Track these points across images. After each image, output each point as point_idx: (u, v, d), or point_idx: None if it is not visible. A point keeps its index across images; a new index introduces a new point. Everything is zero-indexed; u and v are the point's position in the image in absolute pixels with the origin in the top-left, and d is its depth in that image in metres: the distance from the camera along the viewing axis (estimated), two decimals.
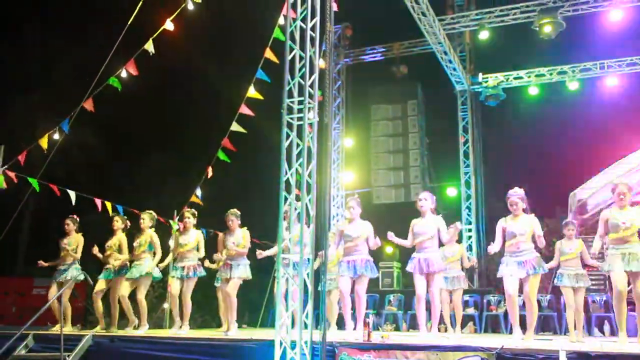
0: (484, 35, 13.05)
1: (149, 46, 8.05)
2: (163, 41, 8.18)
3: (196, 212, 8.03)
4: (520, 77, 14.23)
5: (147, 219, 8.00)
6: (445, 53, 13.28)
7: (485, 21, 12.99)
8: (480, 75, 14.31)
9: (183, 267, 7.72)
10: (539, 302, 9.97)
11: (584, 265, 7.95)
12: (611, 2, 12.07)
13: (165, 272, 8.37)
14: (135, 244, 7.92)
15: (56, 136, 8.22)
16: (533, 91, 14.06)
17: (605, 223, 6.08)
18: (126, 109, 14.29)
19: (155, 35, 8.10)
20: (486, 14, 13.04)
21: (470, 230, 13.68)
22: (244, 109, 8.58)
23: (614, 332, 9.18)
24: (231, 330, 7.48)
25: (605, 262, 6.03)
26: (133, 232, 8.18)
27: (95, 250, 7.96)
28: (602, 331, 9.65)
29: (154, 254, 7.92)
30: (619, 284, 5.93)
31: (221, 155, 9.12)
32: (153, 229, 8.08)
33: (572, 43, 13.55)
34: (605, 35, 12.83)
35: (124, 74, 8.13)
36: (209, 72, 16.19)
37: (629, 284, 6.02)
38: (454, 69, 13.90)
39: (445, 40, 13.00)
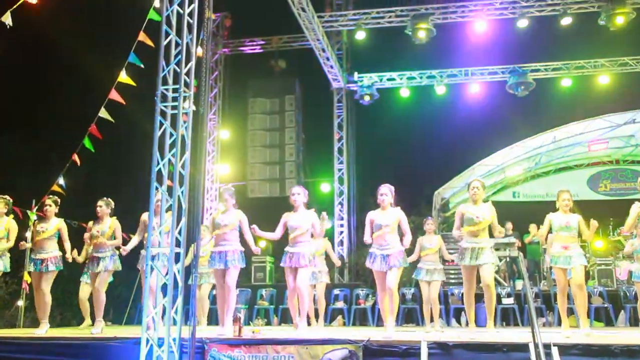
0: (360, 35, 13.42)
1: (7, 18, 7.35)
2: (24, 14, 7.51)
3: (58, 200, 7.47)
4: (393, 79, 14.80)
5: (1, 204, 7.23)
6: (324, 50, 13.47)
7: (362, 22, 13.37)
8: (356, 74, 14.71)
9: (41, 260, 7.11)
10: (403, 294, 10.46)
11: (444, 261, 8.43)
12: (477, 13, 12.91)
13: (18, 265, 7.68)
14: None
15: None
16: (404, 93, 14.67)
17: (461, 217, 6.47)
18: None
19: (14, 6, 7.42)
20: (363, 15, 13.43)
21: (342, 226, 14.03)
22: (114, 95, 8.13)
23: None
24: (98, 328, 7.06)
25: (458, 255, 6.40)
26: None
27: None
28: (459, 322, 10.29)
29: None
30: (466, 278, 6.35)
31: (87, 143, 8.58)
32: (11, 216, 7.38)
33: (442, 49, 14.32)
34: (471, 44, 13.70)
35: None
36: (77, 52, 15.10)
37: (479, 278, 6.43)
38: (331, 67, 14.15)
39: (323, 37, 13.19)
